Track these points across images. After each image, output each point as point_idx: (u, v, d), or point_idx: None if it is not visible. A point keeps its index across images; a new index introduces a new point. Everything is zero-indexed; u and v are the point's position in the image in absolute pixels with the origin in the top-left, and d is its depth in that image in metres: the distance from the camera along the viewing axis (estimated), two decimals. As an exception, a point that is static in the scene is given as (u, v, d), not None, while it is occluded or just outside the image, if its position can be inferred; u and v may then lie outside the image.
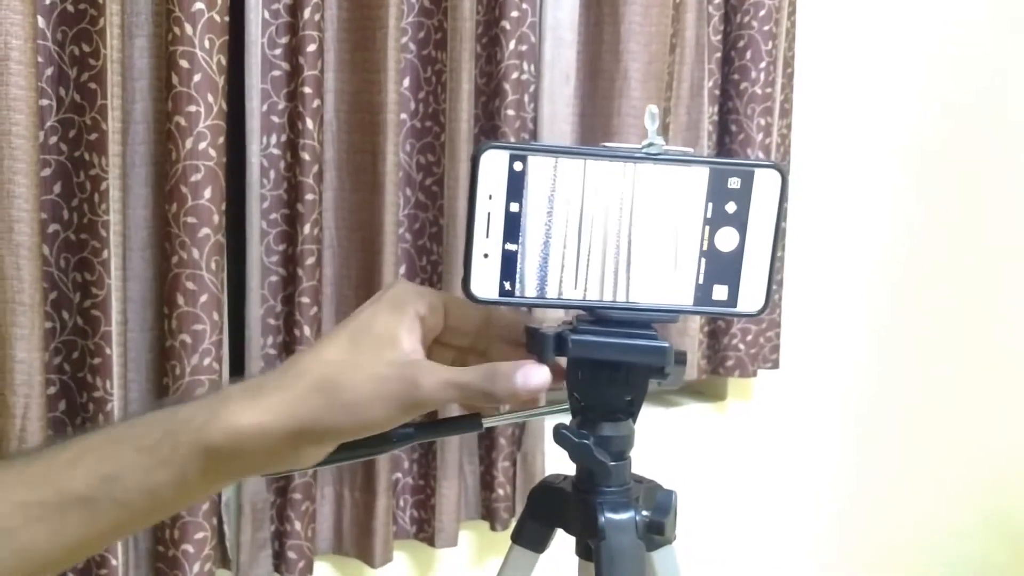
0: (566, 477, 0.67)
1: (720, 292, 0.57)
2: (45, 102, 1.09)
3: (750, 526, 1.78)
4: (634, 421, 0.62)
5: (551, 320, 0.62)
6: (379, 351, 0.52)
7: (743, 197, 0.57)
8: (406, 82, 1.30)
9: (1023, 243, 2.01)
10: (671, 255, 0.57)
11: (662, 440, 1.67)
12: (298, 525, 1.26)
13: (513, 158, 0.55)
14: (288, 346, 1.25)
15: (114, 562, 1.14)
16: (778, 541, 1.82)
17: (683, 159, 0.57)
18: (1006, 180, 1.98)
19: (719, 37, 1.55)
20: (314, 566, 1.30)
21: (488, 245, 0.56)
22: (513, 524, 1.39)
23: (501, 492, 1.39)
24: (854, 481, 1.90)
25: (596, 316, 0.58)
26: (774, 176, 0.56)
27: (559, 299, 0.57)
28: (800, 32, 1.63)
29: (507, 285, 0.56)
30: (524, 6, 1.31)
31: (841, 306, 1.84)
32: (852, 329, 1.86)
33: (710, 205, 0.57)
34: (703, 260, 0.57)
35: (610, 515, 0.61)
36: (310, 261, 1.22)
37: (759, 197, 0.57)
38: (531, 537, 0.70)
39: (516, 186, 0.55)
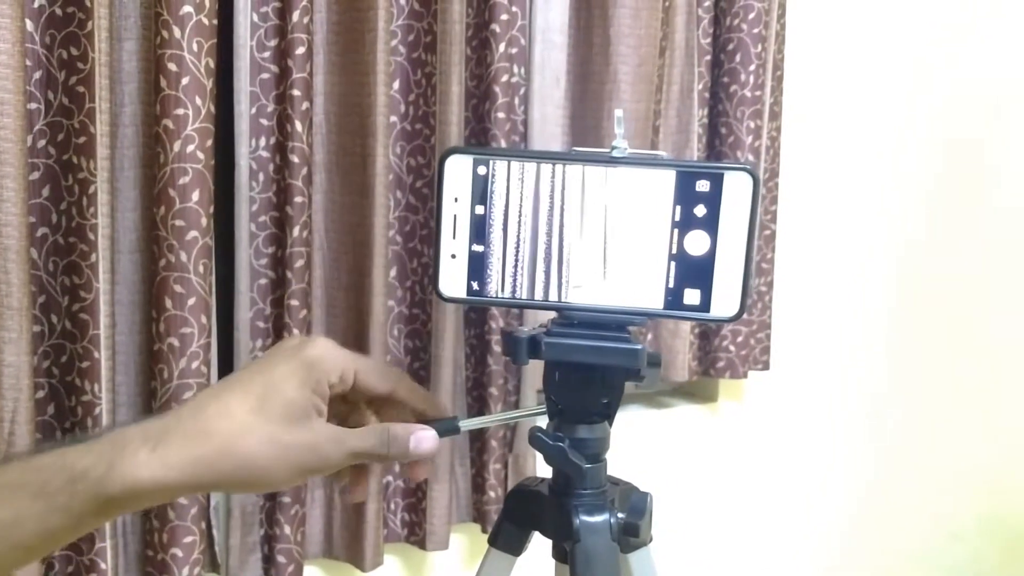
0: (543, 480, 0.68)
1: (692, 296, 0.58)
2: (33, 106, 1.09)
3: (741, 528, 1.78)
4: (610, 423, 0.63)
5: (526, 323, 0.62)
6: (287, 422, 0.54)
7: (713, 200, 0.57)
8: (396, 84, 1.30)
9: (1017, 243, 2.02)
10: (640, 258, 0.57)
11: (653, 442, 1.67)
12: (287, 529, 1.26)
13: (477, 162, 0.57)
14: (278, 349, 1.25)
15: (103, 566, 1.14)
16: (769, 543, 1.83)
17: (648, 162, 0.57)
18: (996, 182, 1.98)
19: (709, 40, 1.55)
20: (304, 570, 1.29)
21: (455, 246, 0.58)
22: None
23: (492, 495, 1.39)
24: (846, 482, 1.90)
25: (568, 319, 0.59)
26: (745, 179, 0.57)
27: (529, 300, 0.59)
28: (790, 35, 1.63)
29: (475, 285, 0.59)
30: (514, 9, 1.31)
31: (832, 308, 1.84)
32: (843, 331, 1.86)
33: (678, 208, 0.57)
34: (672, 263, 0.58)
35: (585, 518, 0.62)
36: (299, 264, 1.22)
37: (730, 200, 0.56)
38: (508, 540, 0.71)
39: (481, 189, 0.57)
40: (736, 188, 0.57)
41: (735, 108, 1.56)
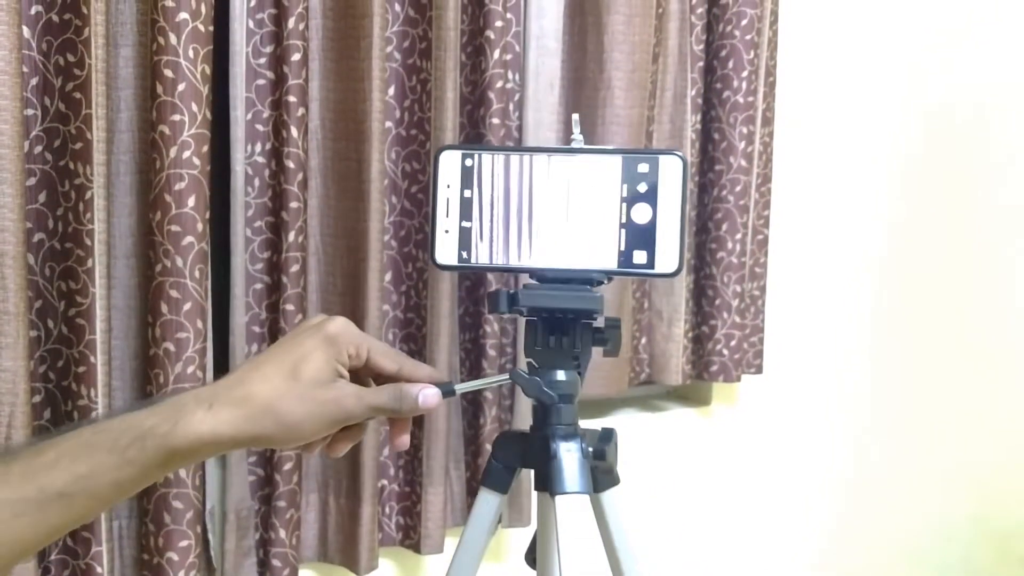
0: (526, 429, 0.79)
1: (640, 257, 0.70)
2: (30, 112, 1.10)
3: (736, 530, 1.79)
4: (581, 376, 0.74)
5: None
6: (316, 384, 0.64)
7: (652, 179, 0.70)
8: (391, 91, 1.31)
9: (1006, 247, 2.03)
10: (596, 227, 0.71)
11: (648, 445, 1.68)
12: (283, 533, 1.26)
13: (464, 156, 0.71)
14: (273, 354, 1.25)
15: (99, 570, 1.14)
16: (763, 544, 1.83)
17: (600, 151, 0.71)
18: (986, 184, 2.00)
19: (702, 47, 1.57)
20: (299, 574, 1.30)
21: (448, 223, 0.72)
22: (499, 530, 1.40)
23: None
24: (839, 484, 1.91)
25: (540, 278, 0.72)
26: (676, 161, 0.70)
27: (508, 264, 0.71)
28: (782, 41, 1.64)
29: (464, 254, 0.72)
30: (508, 16, 1.32)
31: (824, 312, 1.85)
32: (835, 335, 1.87)
33: (625, 186, 0.70)
34: (623, 231, 0.70)
35: (561, 441, 0.74)
36: (295, 268, 1.23)
37: (665, 178, 0.70)
38: (496, 479, 0.82)
39: (468, 177, 0.71)
40: (669, 169, 0.70)
41: (728, 114, 1.57)
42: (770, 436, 1.81)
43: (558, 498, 0.72)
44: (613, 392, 1.53)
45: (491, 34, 1.31)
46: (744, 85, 1.56)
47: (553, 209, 0.70)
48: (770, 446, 1.81)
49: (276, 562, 1.27)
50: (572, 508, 0.72)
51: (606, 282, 0.72)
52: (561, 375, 0.73)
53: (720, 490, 1.76)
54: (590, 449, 0.75)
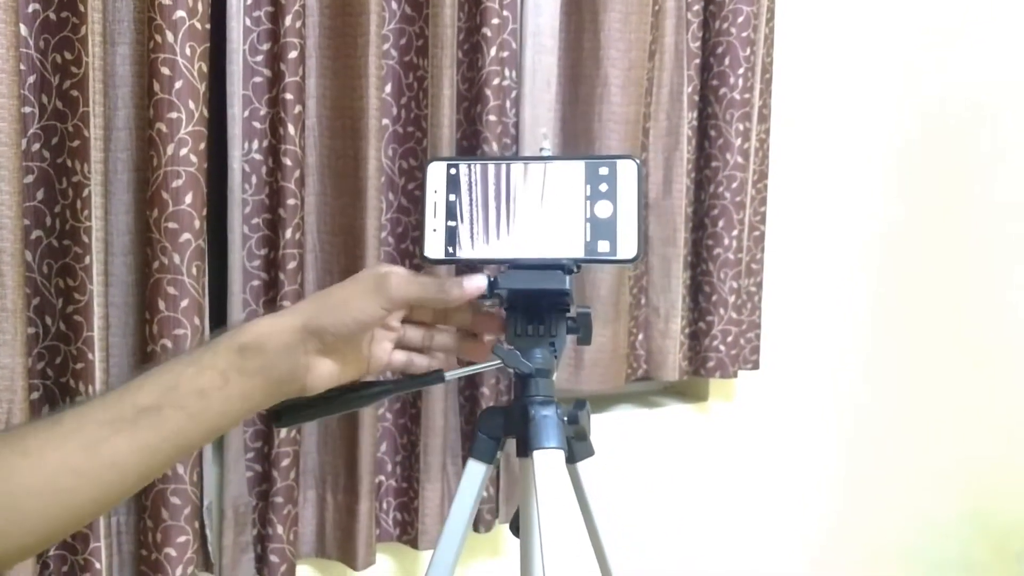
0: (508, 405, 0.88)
1: (604, 246, 0.80)
2: (28, 109, 1.10)
3: (733, 525, 1.80)
4: (556, 359, 0.82)
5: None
6: (358, 276, 0.74)
7: (611, 180, 0.80)
8: (388, 88, 1.31)
9: (1001, 244, 2.04)
10: (565, 222, 0.80)
11: (645, 440, 1.68)
12: (280, 528, 1.27)
13: (449, 166, 0.82)
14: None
15: (98, 565, 1.14)
16: (759, 539, 1.84)
17: (566, 158, 0.83)
18: (982, 181, 2.00)
19: (698, 44, 1.57)
20: (296, 569, 1.30)
21: (436, 223, 0.81)
22: (497, 526, 1.41)
23: (484, 493, 1.40)
24: (836, 480, 1.92)
25: (517, 266, 0.80)
26: (631, 164, 0.80)
27: (489, 256, 0.80)
28: (778, 39, 1.65)
29: (450, 249, 0.81)
30: (505, 13, 1.32)
31: (820, 308, 1.86)
32: (831, 330, 1.88)
33: (588, 186, 0.80)
34: (588, 224, 0.80)
35: (539, 408, 0.81)
36: (292, 265, 1.23)
37: (622, 179, 0.80)
38: (482, 450, 0.90)
39: (454, 184, 0.82)
40: (626, 170, 0.80)
41: (724, 111, 1.57)
42: (767, 432, 1.82)
43: (535, 453, 0.78)
44: (610, 388, 1.53)
45: (488, 31, 1.31)
46: (740, 82, 1.56)
47: (528, 207, 0.81)
48: (767, 442, 1.82)
49: (274, 558, 1.27)
50: (551, 466, 0.78)
51: (576, 270, 0.80)
52: (538, 353, 0.82)
53: (717, 485, 1.77)
54: (564, 417, 0.82)
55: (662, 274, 1.59)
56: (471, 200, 0.81)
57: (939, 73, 1.90)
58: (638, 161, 0.81)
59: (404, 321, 0.79)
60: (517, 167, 0.81)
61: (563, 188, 0.81)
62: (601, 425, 1.66)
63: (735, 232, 1.60)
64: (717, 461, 1.77)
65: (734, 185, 1.58)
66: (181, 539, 1.17)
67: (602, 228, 0.79)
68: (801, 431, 1.86)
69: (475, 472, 0.90)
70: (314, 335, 0.71)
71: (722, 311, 1.61)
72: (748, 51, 1.56)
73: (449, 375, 0.82)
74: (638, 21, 1.43)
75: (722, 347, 1.63)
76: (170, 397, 0.65)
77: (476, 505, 0.92)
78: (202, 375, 0.66)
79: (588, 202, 0.80)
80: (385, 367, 0.79)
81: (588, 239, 0.79)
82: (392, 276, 0.73)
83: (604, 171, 0.80)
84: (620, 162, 0.81)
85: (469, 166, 0.82)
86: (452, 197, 0.82)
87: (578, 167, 0.81)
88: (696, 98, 1.58)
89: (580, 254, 0.79)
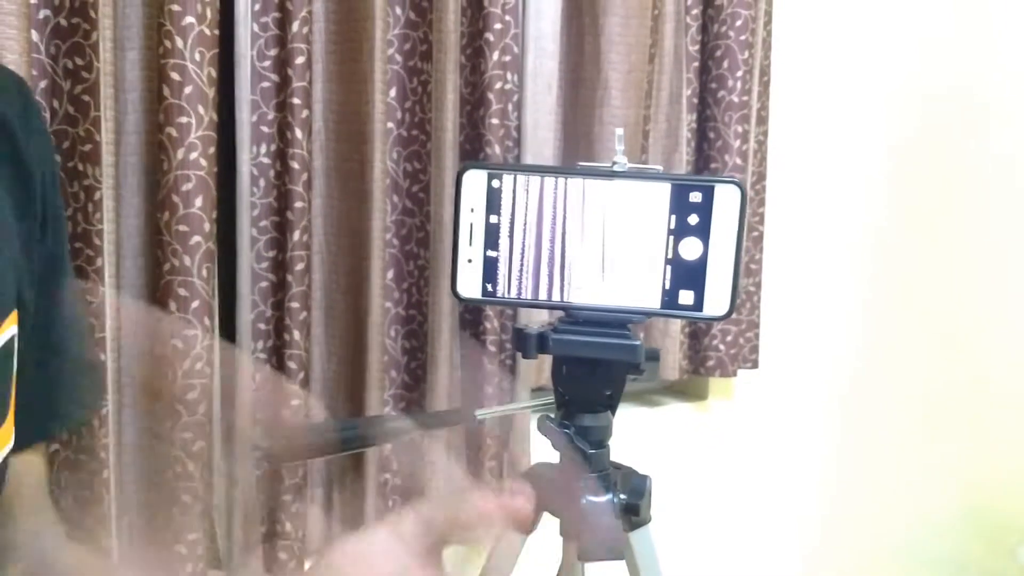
0: (552, 465, 0.72)
1: (686, 297, 0.64)
2: (40, 114, 1.12)
3: (733, 524, 1.82)
4: (613, 413, 0.68)
5: (534, 321, 0.66)
6: None
7: (705, 210, 0.62)
8: (392, 92, 1.33)
9: (1000, 243, 2.06)
10: (639, 262, 0.63)
11: (645, 439, 1.70)
12: (289, 527, 1.28)
13: (491, 176, 0.64)
14: (278, 350, 1.28)
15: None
16: (758, 536, 1.86)
17: (647, 176, 0.63)
18: (979, 181, 2.02)
19: (697, 47, 1.59)
20: (305, 566, 1.32)
21: (471, 252, 0.65)
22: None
23: (487, 493, 1.42)
24: (835, 478, 1.94)
25: (573, 317, 0.65)
26: (734, 191, 0.63)
27: (537, 300, 0.65)
28: (776, 41, 1.67)
29: (489, 287, 0.65)
30: (507, 18, 1.34)
31: (819, 307, 1.88)
32: (831, 329, 1.90)
33: (673, 217, 0.63)
34: (668, 267, 0.63)
35: (590, 498, 0.67)
36: (300, 267, 1.25)
37: (720, 210, 0.62)
38: None
39: (495, 201, 0.64)
40: (726, 199, 0.63)
41: (723, 113, 1.59)
42: (767, 430, 1.84)
43: (587, 566, 0.67)
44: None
45: (490, 36, 1.33)
46: (739, 85, 1.58)
47: (589, 240, 0.63)
48: (767, 440, 1.84)
49: (282, 555, 1.29)
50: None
51: (645, 322, 0.65)
52: (591, 420, 0.67)
53: (718, 484, 1.79)
54: (623, 500, 0.68)
55: (662, 274, 1.61)
56: (520, 224, 0.64)
57: (937, 74, 1.93)
58: (743, 187, 0.63)
59: None
60: (577, 183, 0.63)
61: (640, 216, 0.63)
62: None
63: (734, 233, 1.62)
64: (717, 459, 1.79)
65: (733, 186, 1.60)
66: (191, 536, 1.19)
67: (687, 273, 0.63)
68: (800, 429, 1.88)
69: (510, 544, 0.77)
70: None
71: (721, 311, 1.63)
72: (746, 54, 1.58)
73: (480, 414, 0.70)
74: (638, 25, 1.46)
75: (721, 346, 1.65)
76: None
77: (512, 571, 0.80)
78: None
79: (671, 237, 0.63)
80: None
81: (667, 286, 0.64)
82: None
83: (696, 197, 0.62)
84: (719, 187, 0.62)
85: (515, 178, 0.64)
86: (493, 219, 0.65)
87: (662, 190, 0.63)
88: (695, 101, 1.61)
89: (655, 306, 0.65)
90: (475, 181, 0.65)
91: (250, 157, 1.25)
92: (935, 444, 2.04)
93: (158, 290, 1.17)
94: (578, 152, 1.47)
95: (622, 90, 1.46)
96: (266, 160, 1.26)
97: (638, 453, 1.67)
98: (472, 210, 0.65)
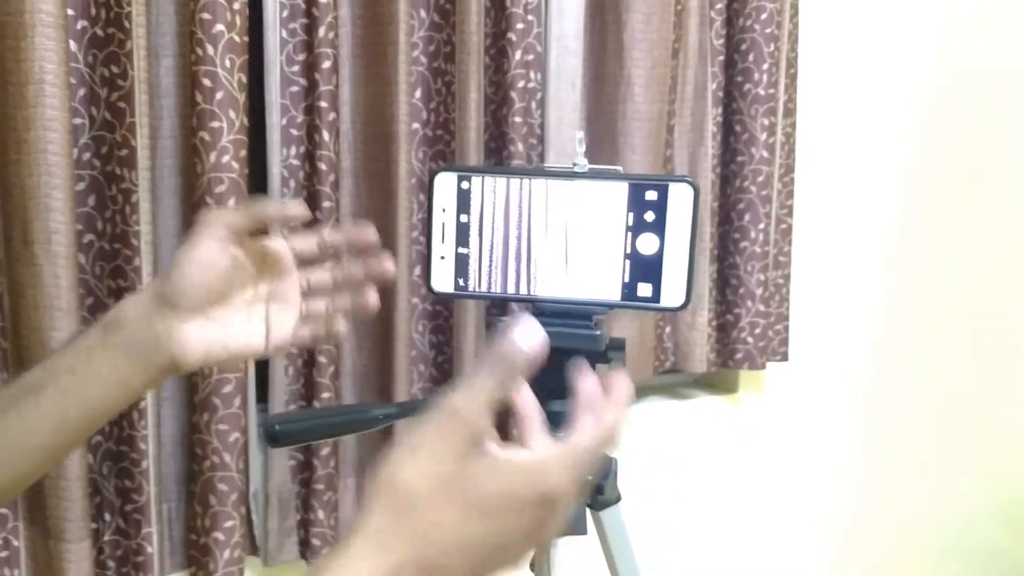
0: None
1: (645, 289, 0.68)
2: (78, 121, 1.16)
3: (763, 516, 1.83)
4: None
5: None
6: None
7: (660, 208, 0.66)
8: (417, 93, 1.36)
9: (1034, 234, 2.04)
10: (600, 257, 0.67)
11: (675, 432, 1.72)
12: (321, 514, 1.33)
13: (461, 178, 0.69)
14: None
15: (149, 549, 1.22)
16: (787, 529, 1.87)
17: (605, 176, 0.67)
18: (1008, 175, 2.00)
19: (722, 41, 1.60)
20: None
21: (444, 249, 0.70)
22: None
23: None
24: (864, 471, 1.94)
25: (539, 309, 0.69)
26: (687, 189, 0.66)
27: (505, 293, 0.69)
28: (803, 33, 1.67)
29: (461, 282, 0.70)
30: (530, 18, 1.37)
31: (851, 299, 1.88)
32: (862, 322, 1.89)
33: (631, 215, 0.67)
34: (627, 262, 0.67)
35: None
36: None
37: (674, 207, 0.66)
38: None
39: (464, 201, 0.69)
40: (679, 197, 0.67)
41: (749, 106, 1.60)
42: (798, 423, 1.84)
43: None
44: (637, 379, 1.57)
45: (513, 36, 1.36)
46: (765, 78, 1.59)
47: (553, 237, 0.68)
48: (797, 432, 1.85)
49: (316, 541, 1.33)
50: (568, 546, 0.70)
51: (606, 313, 0.70)
52: (559, 405, 0.67)
53: (748, 476, 1.80)
54: (590, 483, 0.71)
55: (689, 268, 1.62)
56: (488, 223, 0.69)
57: (968, 64, 1.91)
58: (696, 185, 0.66)
59: (307, 294, 0.71)
60: (541, 184, 0.67)
61: (600, 214, 0.67)
62: (631, 416, 1.70)
63: (761, 225, 1.62)
64: (748, 452, 1.80)
65: (760, 179, 1.61)
66: (228, 524, 1.24)
67: (645, 267, 0.67)
68: (831, 422, 1.89)
69: None
70: (167, 299, 0.68)
71: (749, 303, 1.64)
72: (772, 47, 1.58)
73: None
74: (660, 21, 1.47)
75: (750, 339, 1.66)
76: (47, 377, 0.68)
77: None
78: (72, 354, 0.68)
79: (629, 234, 0.67)
80: (288, 342, 0.72)
81: (626, 279, 0.68)
82: (214, 210, 0.66)
83: (652, 196, 0.66)
84: (673, 186, 0.66)
85: (483, 179, 0.68)
86: (464, 218, 0.69)
87: (619, 189, 0.67)
88: (720, 94, 1.62)
89: (616, 298, 0.68)
90: (446, 183, 0.70)
91: (280, 159, 1.29)
92: (965, 436, 2.03)
93: (193, 288, 1.21)
94: (602, 147, 1.49)
95: (645, 86, 1.47)
96: (295, 162, 1.30)
97: (666, 446, 1.69)
98: (444, 210, 0.70)
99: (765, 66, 1.59)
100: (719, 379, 1.81)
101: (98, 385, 0.68)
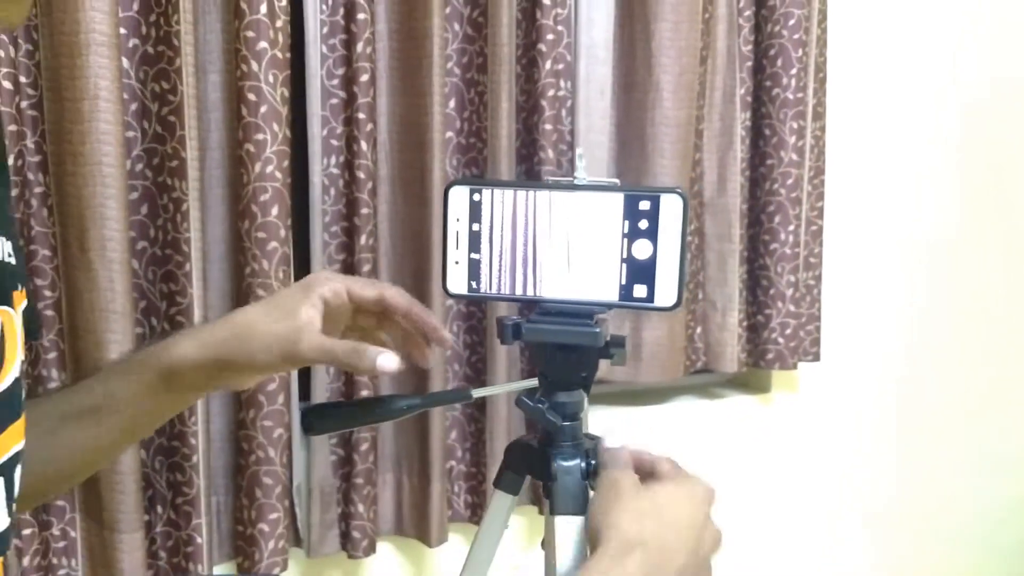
0: (535, 436, 0.84)
1: (640, 291, 0.74)
2: (131, 134, 1.23)
3: (796, 515, 1.84)
4: (587, 392, 0.78)
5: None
6: (282, 318, 0.72)
7: (653, 216, 0.72)
8: (451, 104, 1.41)
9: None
10: (599, 261, 0.74)
11: (708, 432, 1.75)
12: (361, 508, 1.38)
13: (472, 191, 0.75)
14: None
15: (199, 540, 1.28)
16: (824, 530, 1.88)
17: (603, 187, 0.74)
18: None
19: (750, 47, 1.62)
20: (377, 545, 1.42)
21: (458, 255, 0.76)
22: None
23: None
24: (897, 469, 1.94)
25: (544, 308, 0.76)
26: (677, 199, 0.72)
27: (514, 294, 0.76)
28: (832, 38, 1.69)
29: (473, 284, 0.76)
30: (559, 28, 1.41)
31: (882, 299, 1.89)
32: (894, 322, 1.90)
33: (626, 223, 0.73)
34: (624, 265, 0.74)
35: (561, 463, 0.77)
36: (367, 269, 1.35)
37: (666, 216, 0.72)
38: (508, 483, 0.89)
39: (476, 212, 0.75)
40: (670, 206, 0.72)
41: (778, 110, 1.62)
42: (831, 422, 1.86)
43: (557, 520, 0.76)
44: (668, 379, 1.61)
45: (543, 46, 1.40)
46: (793, 82, 1.61)
47: (557, 243, 0.74)
48: (831, 432, 1.86)
49: (356, 534, 1.39)
50: (571, 531, 0.75)
51: (606, 312, 0.76)
52: (565, 396, 0.76)
53: (781, 476, 1.82)
54: (592, 465, 0.78)
55: (718, 269, 1.65)
56: (498, 231, 0.75)
57: (997, 66, 1.91)
58: (685, 195, 0.72)
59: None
60: (544, 196, 0.74)
61: (598, 223, 0.73)
62: (664, 416, 1.73)
63: (791, 227, 1.65)
64: (781, 451, 1.82)
65: (789, 182, 1.64)
66: (273, 516, 1.30)
67: (639, 271, 0.73)
68: (864, 421, 1.90)
69: (501, 503, 0.90)
70: (225, 367, 0.73)
71: (780, 304, 1.67)
72: (800, 52, 1.61)
73: (476, 393, 0.84)
74: (688, 29, 1.50)
75: (781, 339, 1.68)
76: (108, 402, 0.74)
77: (502, 533, 0.92)
78: (134, 387, 0.74)
79: (625, 240, 0.73)
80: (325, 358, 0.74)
81: (623, 282, 0.73)
82: (305, 334, 0.70)
83: (645, 206, 0.72)
84: (664, 196, 0.72)
85: (493, 192, 0.75)
86: (475, 227, 0.75)
87: (616, 200, 0.73)
88: (749, 99, 1.64)
89: (613, 298, 0.74)
90: (459, 195, 0.76)
91: (321, 168, 1.35)
92: (997, 434, 2.03)
93: (240, 291, 1.28)
94: (632, 153, 1.53)
95: (673, 92, 1.51)
96: (335, 171, 1.36)
97: (699, 445, 1.72)
98: (457, 220, 0.76)
99: (793, 71, 1.61)
100: (753, 379, 1.84)
101: (155, 413, 0.78)
